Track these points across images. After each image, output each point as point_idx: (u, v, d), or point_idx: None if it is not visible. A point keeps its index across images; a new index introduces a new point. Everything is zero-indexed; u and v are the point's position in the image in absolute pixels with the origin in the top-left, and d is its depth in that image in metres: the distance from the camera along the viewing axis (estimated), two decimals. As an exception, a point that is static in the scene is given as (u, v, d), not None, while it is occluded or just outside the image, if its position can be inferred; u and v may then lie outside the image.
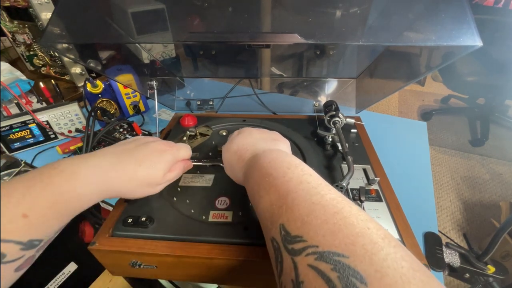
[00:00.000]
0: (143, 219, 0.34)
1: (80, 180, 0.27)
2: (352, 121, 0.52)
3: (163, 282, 0.53)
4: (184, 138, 0.49)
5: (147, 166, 0.32)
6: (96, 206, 0.50)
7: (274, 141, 0.34)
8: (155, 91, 0.54)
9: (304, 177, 0.24)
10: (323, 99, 0.60)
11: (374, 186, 0.39)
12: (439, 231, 0.44)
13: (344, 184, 0.35)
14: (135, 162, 0.31)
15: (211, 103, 0.67)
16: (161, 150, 0.34)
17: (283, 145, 0.34)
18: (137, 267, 0.34)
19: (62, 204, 0.25)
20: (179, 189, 0.40)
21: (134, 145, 0.34)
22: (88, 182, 0.27)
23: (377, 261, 0.16)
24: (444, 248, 0.41)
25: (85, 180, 0.27)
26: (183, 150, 0.37)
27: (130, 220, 0.34)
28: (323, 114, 0.51)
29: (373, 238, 0.17)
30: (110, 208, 0.48)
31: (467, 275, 0.42)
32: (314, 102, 0.61)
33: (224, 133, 0.52)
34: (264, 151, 0.31)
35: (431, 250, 0.41)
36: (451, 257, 0.41)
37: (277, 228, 0.22)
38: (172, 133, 0.53)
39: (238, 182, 0.35)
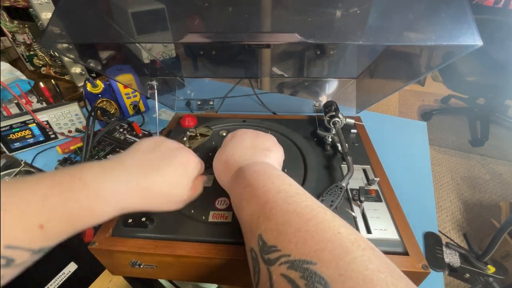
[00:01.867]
0: (143, 219, 0.34)
1: (102, 198, 0.25)
2: (352, 121, 0.52)
3: (163, 282, 0.53)
4: (184, 139, 0.49)
5: (174, 184, 0.30)
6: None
7: (264, 152, 0.33)
8: (156, 91, 0.54)
9: (283, 187, 0.25)
10: (323, 99, 0.59)
11: (374, 186, 0.39)
12: (439, 231, 0.44)
13: (344, 184, 0.35)
14: (162, 179, 0.29)
15: (211, 103, 0.67)
16: (186, 163, 0.32)
17: (274, 155, 0.34)
18: (137, 266, 0.34)
19: (80, 219, 0.24)
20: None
21: (159, 154, 0.31)
22: (110, 200, 0.26)
23: (342, 265, 0.16)
24: (444, 248, 0.41)
25: (108, 198, 0.26)
26: (202, 164, 0.36)
27: (130, 220, 0.35)
28: (323, 114, 0.51)
29: (342, 243, 0.18)
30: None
31: (467, 275, 0.42)
32: (314, 102, 0.61)
33: (224, 134, 0.52)
34: (250, 163, 0.31)
35: (431, 250, 0.41)
36: (451, 257, 0.41)
37: (255, 238, 0.22)
38: (172, 133, 0.53)
39: (226, 190, 0.34)
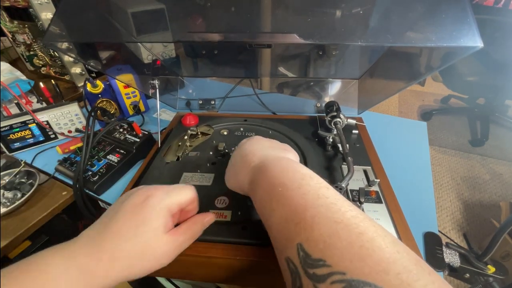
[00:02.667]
0: None
1: (49, 278, 0.21)
2: (353, 121, 0.52)
3: (163, 282, 0.53)
4: (186, 137, 0.49)
5: (130, 235, 0.24)
6: (96, 206, 0.50)
7: (283, 150, 0.32)
8: (157, 90, 0.54)
9: (321, 191, 0.22)
10: (325, 100, 0.59)
11: (374, 188, 0.39)
12: (439, 231, 0.44)
13: (344, 185, 0.35)
14: (115, 234, 0.23)
15: (213, 102, 0.67)
16: (141, 202, 0.25)
17: (292, 156, 0.32)
18: (137, 266, 0.34)
19: None
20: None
21: (119, 201, 0.26)
22: (60, 278, 0.21)
23: None
24: (444, 248, 0.41)
25: (57, 276, 0.21)
26: (181, 191, 0.28)
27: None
28: (324, 114, 0.51)
29: (406, 265, 0.16)
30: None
31: (467, 275, 0.42)
32: (316, 103, 0.61)
33: (225, 133, 0.52)
34: (274, 158, 0.29)
35: (431, 250, 0.41)
36: (451, 257, 0.41)
37: (294, 247, 0.19)
38: (173, 132, 0.53)
39: (242, 191, 0.31)
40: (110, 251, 0.23)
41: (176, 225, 0.28)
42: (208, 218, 0.30)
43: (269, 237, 0.25)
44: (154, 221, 0.25)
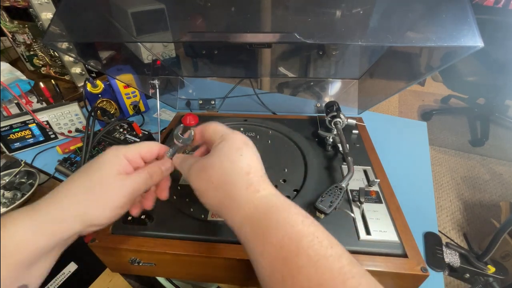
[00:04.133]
0: (143, 217, 0.34)
1: (6, 228, 0.21)
2: (353, 122, 0.52)
3: (163, 282, 0.53)
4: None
5: (82, 179, 0.25)
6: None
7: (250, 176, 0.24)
8: (157, 90, 0.54)
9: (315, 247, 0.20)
10: (325, 100, 0.59)
11: (374, 188, 0.39)
12: (439, 231, 0.44)
13: (344, 185, 0.35)
14: (70, 185, 0.25)
15: (213, 102, 0.67)
16: (100, 155, 0.26)
17: (248, 157, 0.25)
18: (136, 264, 0.34)
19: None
20: (179, 188, 0.40)
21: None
22: (17, 226, 0.22)
23: None
24: (444, 248, 0.41)
25: (14, 224, 0.22)
26: (143, 143, 0.29)
27: (130, 218, 0.35)
28: (324, 114, 0.51)
29: None
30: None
31: (467, 275, 0.42)
32: (316, 103, 0.61)
33: None
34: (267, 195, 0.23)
35: (431, 250, 0.41)
36: (451, 257, 0.41)
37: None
38: (173, 132, 0.53)
39: (221, 216, 0.25)
40: (67, 196, 0.24)
41: None
42: (167, 164, 0.29)
43: None
44: (107, 164, 0.25)
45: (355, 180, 0.41)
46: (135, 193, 0.26)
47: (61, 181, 0.53)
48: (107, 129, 0.55)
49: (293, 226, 0.21)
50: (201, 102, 0.67)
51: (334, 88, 0.64)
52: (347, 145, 0.43)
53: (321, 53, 0.66)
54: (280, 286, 0.20)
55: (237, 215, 0.23)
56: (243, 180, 0.23)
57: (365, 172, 0.42)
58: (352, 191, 0.38)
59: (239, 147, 0.25)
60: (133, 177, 0.26)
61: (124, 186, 0.25)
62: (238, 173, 0.24)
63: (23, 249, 0.22)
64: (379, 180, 0.39)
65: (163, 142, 0.50)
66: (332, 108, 0.51)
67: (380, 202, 0.37)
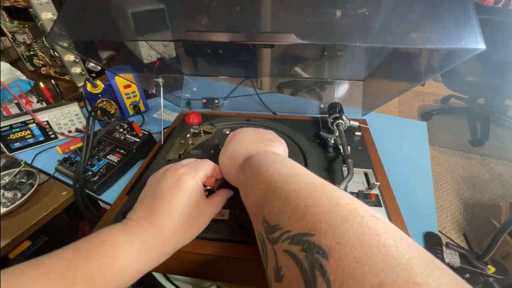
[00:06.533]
0: None
1: (120, 252, 0.25)
2: (356, 123, 0.51)
3: (163, 282, 0.53)
4: (188, 135, 0.49)
5: (177, 211, 0.29)
6: (96, 206, 0.50)
7: (267, 142, 0.34)
8: (161, 88, 0.54)
9: (284, 170, 0.25)
10: (328, 101, 0.59)
11: (374, 191, 0.38)
12: (439, 231, 0.44)
13: (342, 187, 0.35)
14: (163, 212, 0.28)
15: (216, 101, 0.67)
16: (175, 182, 0.30)
17: (277, 146, 0.34)
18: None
19: (101, 279, 0.24)
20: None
21: (154, 182, 0.31)
22: (128, 252, 0.25)
23: (339, 233, 0.16)
24: (444, 248, 0.41)
25: (125, 251, 0.25)
26: (205, 164, 0.33)
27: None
28: (327, 115, 0.51)
29: (340, 212, 0.18)
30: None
31: (467, 275, 0.42)
32: (319, 104, 0.61)
33: (228, 132, 0.52)
34: (254, 154, 0.31)
35: (431, 250, 0.41)
36: (451, 257, 0.41)
37: (261, 222, 0.22)
38: (176, 130, 0.53)
39: (233, 185, 0.35)
40: (164, 227, 0.27)
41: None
42: (229, 192, 0.36)
43: None
44: (193, 196, 0.30)
45: (355, 182, 0.40)
46: None
47: (61, 181, 0.53)
48: (107, 129, 0.55)
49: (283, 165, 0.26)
50: (204, 101, 0.67)
51: (339, 89, 0.64)
52: (349, 147, 0.42)
53: (325, 53, 0.66)
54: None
55: (233, 177, 0.33)
56: (230, 159, 0.34)
57: (365, 174, 0.42)
58: (351, 193, 0.38)
59: (227, 142, 0.37)
60: (215, 204, 0.33)
61: (212, 212, 0.32)
62: (226, 157, 0.35)
63: (129, 276, 0.26)
64: (379, 183, 0.39)
65: (165, 142, 0.50)
66: (335, 109, 0.50)
67: (380, 205, 0.37)
